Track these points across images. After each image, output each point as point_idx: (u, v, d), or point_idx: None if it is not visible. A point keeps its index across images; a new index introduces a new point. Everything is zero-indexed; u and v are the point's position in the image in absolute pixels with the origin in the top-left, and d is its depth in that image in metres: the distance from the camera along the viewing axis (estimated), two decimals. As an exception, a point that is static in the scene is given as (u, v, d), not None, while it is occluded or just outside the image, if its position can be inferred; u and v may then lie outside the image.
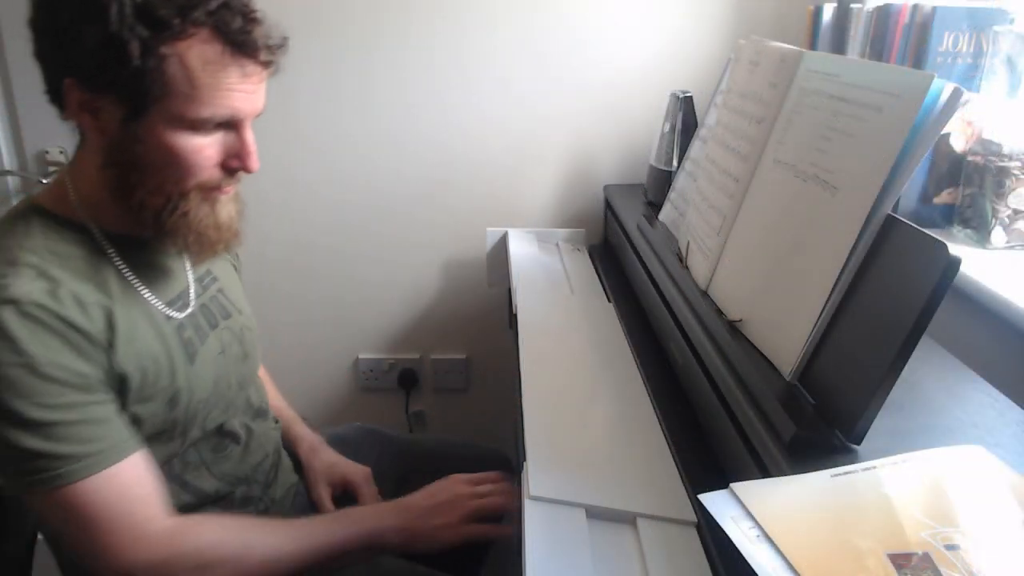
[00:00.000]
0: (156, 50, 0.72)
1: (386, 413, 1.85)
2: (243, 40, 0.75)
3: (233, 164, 0.82)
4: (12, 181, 1.55)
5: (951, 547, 0.53)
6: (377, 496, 1.13)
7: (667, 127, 1.40)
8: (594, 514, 0.74)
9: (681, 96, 1.39)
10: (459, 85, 1.59)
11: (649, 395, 0.97)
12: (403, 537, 0.90)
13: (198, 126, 0.77)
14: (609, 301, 1.30)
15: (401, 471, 1.20)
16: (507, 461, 1.24)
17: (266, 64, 0.79)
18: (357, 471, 1.14)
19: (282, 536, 0.86)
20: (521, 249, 1.51)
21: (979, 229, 1.05)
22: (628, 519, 0.74)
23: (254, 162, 0.82)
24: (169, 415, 0.86)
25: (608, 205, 1.59)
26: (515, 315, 1.21)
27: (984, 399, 0.74)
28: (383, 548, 0.90)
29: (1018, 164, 1.01)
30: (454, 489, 0.93)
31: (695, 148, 1.23)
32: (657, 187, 1.42)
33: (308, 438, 1.17)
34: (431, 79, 1.58)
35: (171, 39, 0.73)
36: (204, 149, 0.79)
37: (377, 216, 1.69)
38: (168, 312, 0.89)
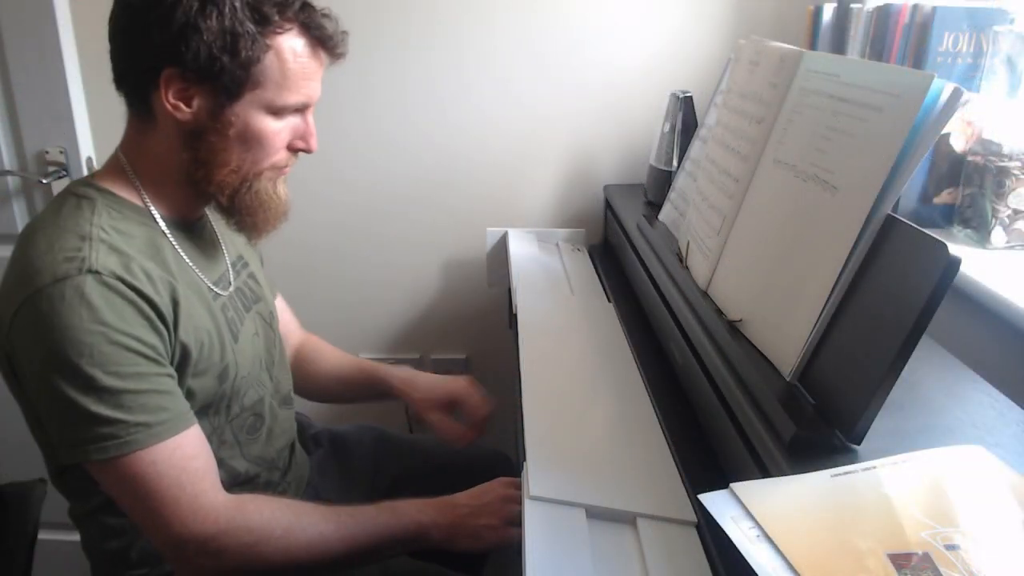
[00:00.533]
0: (261, 42, 0.81)
1: (387, 412, 1.85)
2: (323, 35, 0.86)
3: (298, 145, 0.91)
4: (12, 181, 1.55)
5: (951, 547, 0.53)
6: (485, 403, 1.16)
7: (667, 127, 1.40)
8: (594, 514, 0.74)
9: (681, 96, 1.39)
10: (459, 85, 1.58)
11: (649, 395, 0.97)
12: (447, 534, 0.91)
13: (279, 112, 0.86)
14: (609, 301, 1.30)
15: (402, 470, 1.20)
16: (507, 461, 1.24)
17: (339, 56, 0.90)
18: (458, 386, 1.16)
19: (330, 522, 0.87)
20: (521, 249, 1.51)
21: (979, 229, 1.05)
22: (628, 519, 0.74)
23: (315, 142, 0.92)
24: (218, 389, 0.90)
25: (608, 205, 1.59)
26: (515, 315, 1.21)
27: (984, 399, 0.74)
28: (426, 543, 0.91)
29: (1018, 164, 1.01)
30: (499, 491, 0.94)
31: (695, 148, 1.23)
32: (657, 187, 1.42)
33: (398, 374, 1.20)
34: (431, 79, 1.58)
35: (271, 33, 0.82)
36: (280, 133, 0.88)
37: (377, 216, 1.69)
38: (218, 291, 0.94)
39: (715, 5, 1.53)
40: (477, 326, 1.78)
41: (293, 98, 0.86)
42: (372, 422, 1.32)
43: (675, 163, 1.39)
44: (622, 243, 1.42)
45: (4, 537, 0.99)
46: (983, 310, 0.90)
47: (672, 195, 1.24)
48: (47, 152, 1.52)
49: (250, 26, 0.80)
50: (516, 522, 0.91)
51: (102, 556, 0.95)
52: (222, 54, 0.79)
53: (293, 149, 0.91)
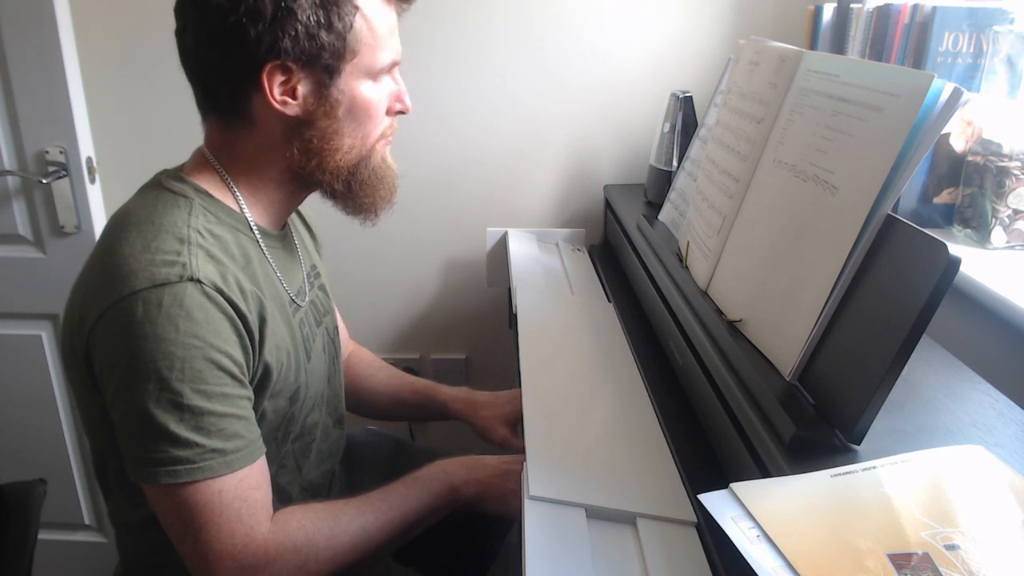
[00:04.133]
0: (350, 5, 0.78)
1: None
2: None
3: (396, 107, 0.88)
4: (12, 181, 1.55)
5: (951, 547, 0.53)
6: None
7: (667, 127, 1.41)
8: (594, 514, 0.74)
9: (681, 96, 1.39)
10: (459, 85, 1.59)
11: (649, 395, 0.97)
12: (476, 490, 0.91)
13: (376, 75, 0.84)
14: (609, 301, 1.30)
15: None
16: None
17: (409, 1, 0.86)
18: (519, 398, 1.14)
19: (367, 513, 0.86)
20: (521, 249, 1.51)
21: (979, 229, 1.05)
22: (628, 519, 0.74)
23: (409, 100, 0.89)
24: (288, 411, 0.87)
25: (608, 205, 1.59)
26: (515, 315, 1.21)
27: (984, 399, 0.74)
28: (459, 502, 0.91)
29: (1018, 164, 1.01)
30: None
31: (695, 148, 1.23)
32: (657, 187, 1.42)
33: (455, 395, 1.17)
34: (431, 79, 1.58)
35: None
36: (381, 98, 0.85)
37: (377, 216, 1.69)
38: (298, 303, 0.91)
39: (715, 5, 1.53)
40: (477, 326, 1.78)
41: (387, 57, 0.83)
42: (375, 424, 1.32)
43: (675, 163, 1.39)
44: (622, 243, 1.43)
45: (4, 537, 0.98)
46: (983, 310, 0.90)
47: (672, 195, 1.24)
48: (47, 152, 1.52)
49: None
50: None
51: (142, 567, 0.91)
52: (319, 30, 0.76)
53: (391, 113, 0.88)
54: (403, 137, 1.62)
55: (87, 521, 1.76)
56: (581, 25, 1.55)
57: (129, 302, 0.71)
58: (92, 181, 1.57)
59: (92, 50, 1.54)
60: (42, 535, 1.04)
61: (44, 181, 1.51)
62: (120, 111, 1.59)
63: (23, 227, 1.59)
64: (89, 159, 1.56)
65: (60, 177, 1.53)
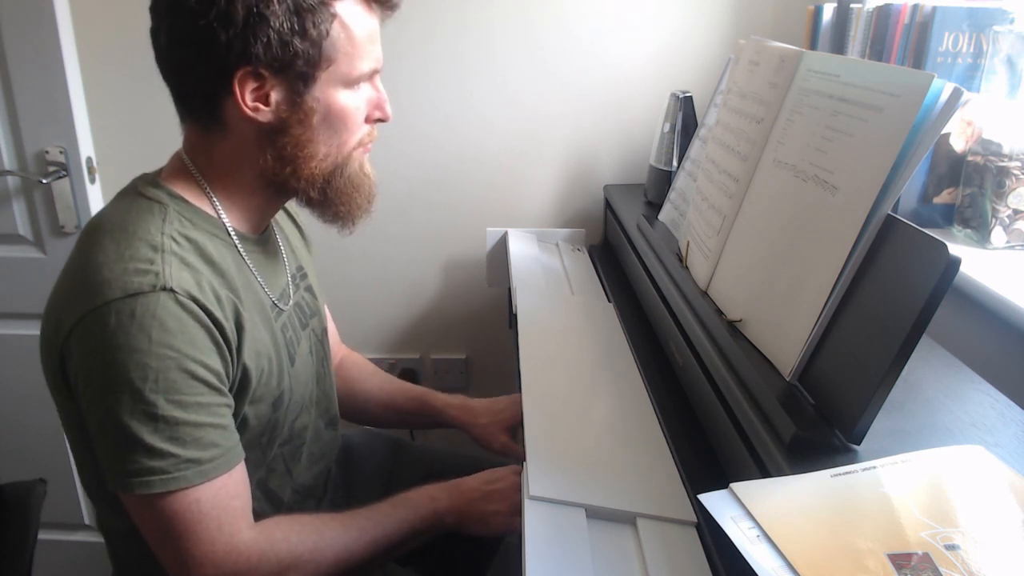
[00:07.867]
0: (327, 12, 0.77)
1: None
2: None
3: (375, 115, 0.87)
4: (12, 181, 1.55)
5: (951, 547, 0.53)
6: None
7: (667, 127, 1.41)
8: (594, 514, 0.74)
9: (681, 96, 1.39)
10: (458, 85, 1.59)
11: (649, 395, 0.97)
12: (458, 518, 0.91)
13: (354, 83, 0.82)
14: (609, 301, 1.30)
15: (419, 481, 1.19)
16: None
17: (394, 7, 0.85)
18: (518, 404, 1.12)
19: (352, 529, 0.86)
20: (521, 249, 1.51)
21: (979, 229, 1.05)
22: (628, 519, 0.74)
23: (389, 108, 0.88)
24: (272, 416, 0.86)
25: (608, 205, 1.59)
26: (515, 315, 1.21)
27: (984, 399, 0.74)
28: (440, 528, 0.92)
29: (1018, 164, 1.01)
30: (511, 478, 0.93)
31: (695, 148, 1.23)
32: (657, 187, 1.42)
33: (451, 402, 1.17)
34: (430, 79, 1.58)
35: (332, 0, 0.77)
36: (360, 106, 0.84)
37: (377, 216, 1.66)
38: (281, 307, 0.90)
39: (715, 5, 1.53)
40: (477, 326, 1.78)
41: (366, 65, 0.82)
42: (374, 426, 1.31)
43: (675, 163, 1.39)
44: (622, 243, 1.43)
45: (4, 537, 0.98)
46: (983, 310, 0.90)
47: (672, 195, 1.24)
48: (47, 152, 1.52)
49: (312, 0, 0.75)
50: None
51: (133, 573, 0.91)
52: (293, 37, 0.75)
53: (370, 121, 0.87)
54: (403, 138, 1.63)
55: (87, 521, 1.76)
56: (581, 25, 1.55)
57: (102, 312, 0.71)
58: (92, 181, 1.57)
59: (92, 50, 1.54)
60: (42, 535, 1.04)
61: (44, 181, 1.51)
62: (120, 111, 1.59)
63: (23, 227, 1.59)
64: (89, 159, 1.56)
65: (60, 177, 1.53)
